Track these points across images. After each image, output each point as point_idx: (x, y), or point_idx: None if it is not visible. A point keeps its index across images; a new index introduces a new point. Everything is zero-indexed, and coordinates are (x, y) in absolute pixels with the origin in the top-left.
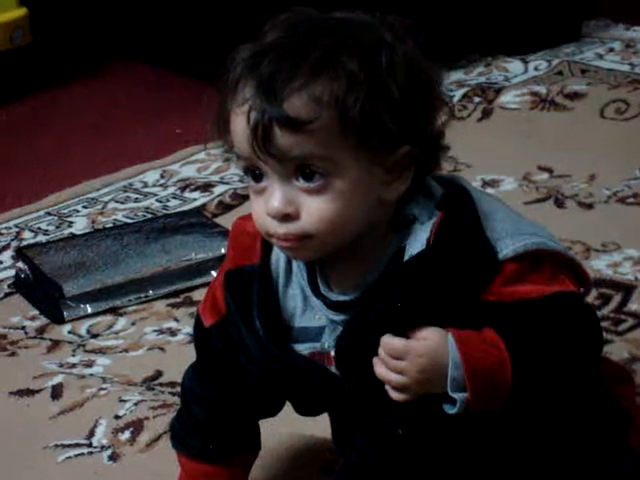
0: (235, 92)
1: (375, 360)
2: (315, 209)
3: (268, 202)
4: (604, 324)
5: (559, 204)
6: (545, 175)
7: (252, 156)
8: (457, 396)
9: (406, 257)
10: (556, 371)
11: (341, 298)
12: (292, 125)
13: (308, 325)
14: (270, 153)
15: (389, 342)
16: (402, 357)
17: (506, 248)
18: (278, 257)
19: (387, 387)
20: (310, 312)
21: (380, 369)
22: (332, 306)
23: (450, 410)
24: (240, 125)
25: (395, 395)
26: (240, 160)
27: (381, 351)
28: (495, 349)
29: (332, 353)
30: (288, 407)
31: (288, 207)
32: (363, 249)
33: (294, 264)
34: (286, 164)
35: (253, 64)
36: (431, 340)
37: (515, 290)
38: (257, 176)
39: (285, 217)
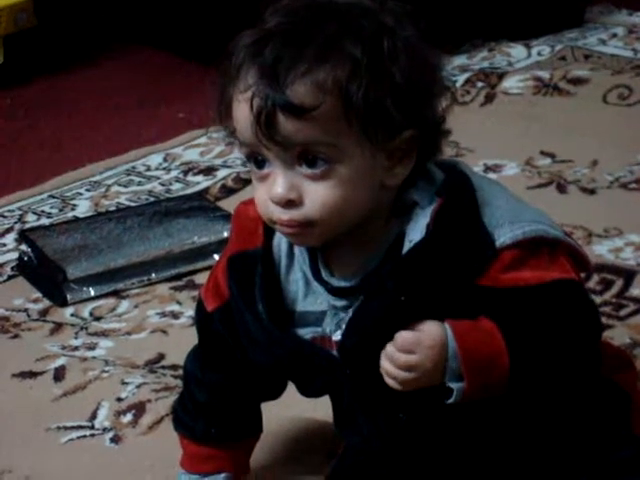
0: (237, 79)
1: (383, 356)
2: (318, 195)
3: (271, 188)
4: (606, 309)
5: (561, 189)
6: (547, 160)
7: (255, 143)
8: (454, 386)
9: (406, 243)
10: (553, 359)
11: (342, 284)
12: (296, 111)
13: (310, 309)
14: (274, 140)
15: (400, 335)
16: (413, 350)
17: (504, 235)
18: (280, 242)
19: (389, 381)
20: (312, 297)
21: (386, 364)
22: (333, 291)
23: (447, 400)
24: (243, 112)
25: (394, 385)
26: (243, 146)
27: (389, 347)
28: (492, 339)
29: (333, 338)
30: (290, 390)
31: (291, 193)
32: (365, 234)
33: (296, 249)
34: (289, 150)
35: (255, 51)
36: (437, 332)
37: (513, 276)
38: (260, 162)
39: (288, 203)
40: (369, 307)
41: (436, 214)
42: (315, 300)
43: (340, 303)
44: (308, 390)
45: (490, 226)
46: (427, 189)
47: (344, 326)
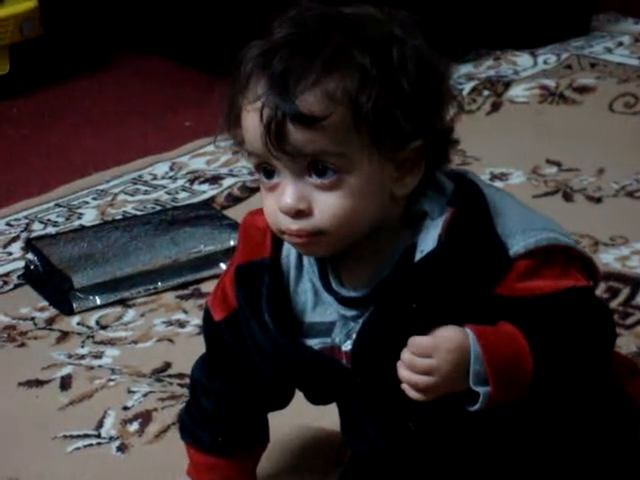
0: (246, 89)
1: (399, 363)
2: (328, 205)
3: (280, 198)
4: (614, 317)
5: (567, 198)
6: (554, 169)
7: (265, 153)
8: (480, 390)
9: (417, 253)
10: (573, 362)
11: (353, 294)
12: (306, 121)
13: (319, 320)
14: (283, 150)
15: (416, 340)
16: (430, 355)
17: (517, 244)
18: (289, 252)
19: (405, 387)
20: (321, 307)
21: (404, 372)
22: (343, 302)
23: (473, 407)
24: (252, 122)
25: (415, 395)
26: (252, 157)
27: (406, 353)
28: (514, 341)
29: (343, 348)
30: (296, 398)
31: (301, 203)
32: (375, 245)
33: (305, 259)
34: (299, 160)
35: (264, 61)
36: (455, 336)
37: (528, 286)
38: (269, 173)
39: (298, 213)
40: (381, 315)
41: (449, 224)
42: (325, 311)
43: (350, 313)
44: (316, 398)
45: (503, 235)
46: (437, 199)
47: (354, 335)
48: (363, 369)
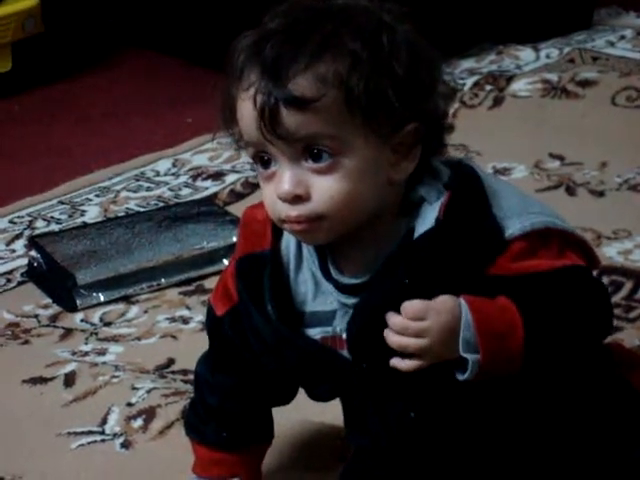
0: (240, 79)
1: (388, 331)
2: (325, 189)
3: (278, 185)
4: (615, 311)
5: (570, 192)
6: (556, 163)
7: (260, 140)
8: (469, 357)
9: (415, 236)
10: (567, 337)
11: (352, 281)
12: (298, 104)
13: (320, 309)
14: (278, 134)
15: (409, 304)
16: (423, 317)
17: (513, 226)
18: (288, 243)
19: (396, 361)
20: (321, 297)
21: (396, 337)
22: (343, 289)
23: (462, 376)
24: (247, 110)
25: (407, 363)
26: (248, 147)
27: (396, 318)
28: (507, 311)
29: (344, 336)
30: (300, 394)
31: (298, 188)
32: (373, 232)
33: (304, 249)
34: (294, 145)
35: (256, 50)
36: (448, 300)
37: (523, 265)
38: (266, 162)
39: (296, 199)
40: (375, 292)
41: (445, 206)
42: (325, 300)
43: (350, 301)
44: (317, 393)
45: (499, 217)
46: (434, 185)
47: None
48: (359, 349)
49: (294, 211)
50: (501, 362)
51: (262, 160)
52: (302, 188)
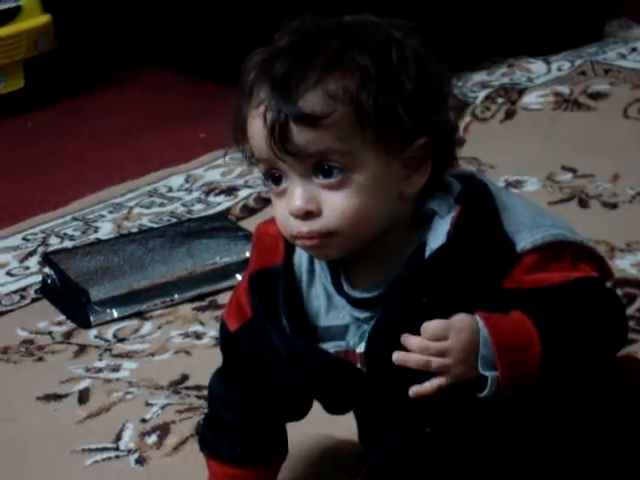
0: (250, 96)
1: (407, 353)
2: (336, 204)
3: (290, 201)
4: (629, 323)
5: (583, 204)
6: (569, 175)
7: (271, 156)
8: (488, 374)
9: (427, 251)
10: (584, 351)
11: (365, 295)
12: (308, 121)
13: (332, 324)
14: (288, 151)
15: (429, 324)
16: (444, 336)
17: (524, 240)
18: (301, 258)
19: (416, 388)
20: (334, 311)
21: (417, 357)
22: (356, 303)
23: (480, 393)
24: (257, 127)
25: (427, 387)
26: (259, 163)
27: (417, 339)
28: (523, 326)
29: (357, 351)
30: (313, 409)
31: (309, 204)
32: (385, 246)
33: (316, 264)
34: (305, 161)
35: (266, 67)
36: (466, 318)
37: (536, 278)
38: (277, 178)
39: (307, 215)
40: (392, 312)
41: (456, 220)
42: (338, 314)
43: (363, 315)
44: (333, 407)
45: (510, 232)
46: (445, 199)
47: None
48: (376, 368)
49: (305, 227)
50: (519, 377)
51: (273, 177)
52: (313, 204)
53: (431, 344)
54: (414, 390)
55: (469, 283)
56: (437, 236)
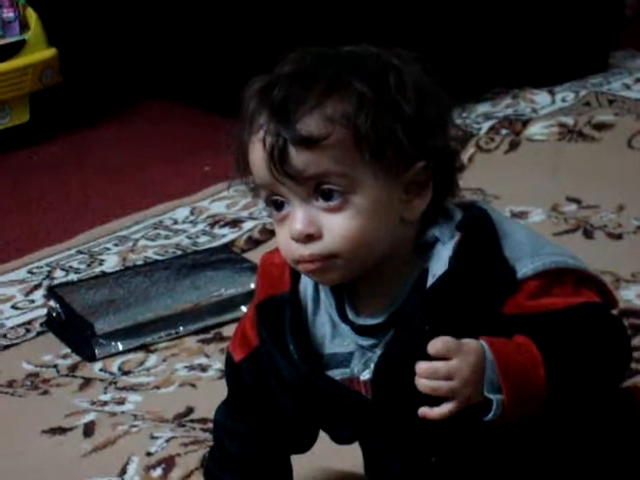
0: (251, 123)
1: (416, 378)
2: (337, 227)
3: (291, 225)
4: (635, 355)
5: (588, 235)
6: (573, 206)
7: (271, 180)
8: (493, 397)
9: (429, 277)
10: (588, 375)
11: (369, 322)
12: (306, 143)
13: (337, 351)
14: (288, 174)
15: (438, 340)
16: (451, 355)
17: (525, 267)
18: (306, 286)
19: (425, 410)
20: (339, 338)
21: (427, 382)
22: (360, 331)
23: (487, 416)
24: (257, 152)
25: (438, 411)
26: (261, 190)
27: (424, 364)
28: (526, 350)
29: (361, 378)
30: (319, 441)
31: (310, 227)
32: (388, 272)
33: (321, 292)
34: (304, 184)
35: (265, 94)
36: (472, 341)
37: (539, 303)
38: (279, 205)
39: (308, 238)
40: (397, 342)
41: (457, 246)
42: (342, 342)
43: (367, 342)
44: (339, 436)
45: (511, 259)
46: (448, 225)
47: (372, 365)
48: (383, 397)
49: (307, 250)
50: (524, 400)
51: (275, 203)
52: (314, 227)
53: (440, 365)
54: (423, 411)
55: (471, 310)
56: (439, 262)
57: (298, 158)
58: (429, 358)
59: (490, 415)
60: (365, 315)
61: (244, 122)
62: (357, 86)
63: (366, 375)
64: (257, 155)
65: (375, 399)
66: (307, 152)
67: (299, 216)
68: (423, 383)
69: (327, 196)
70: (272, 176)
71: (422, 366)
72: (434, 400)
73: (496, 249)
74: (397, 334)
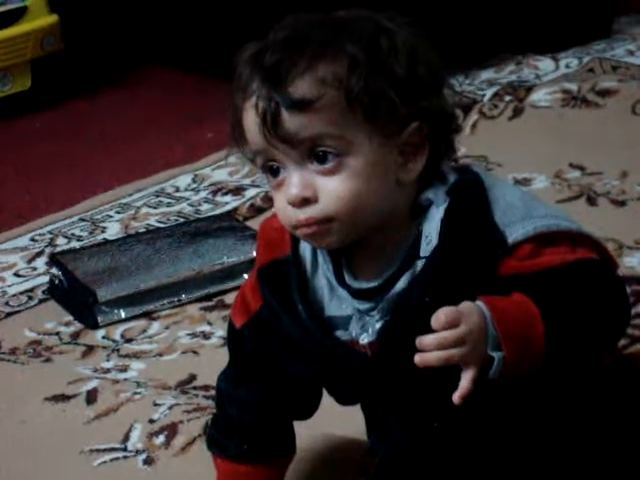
0: (244, 90)
1: (425, 354)
2: (332, 189)
3: (287, 190)
4: (637, 321)
5: (591, 202)
6: (577, 173)
7: (265, 146)
8: (495, 355)
9: (422, 239)
10: (587, 331)
11: (365, 286)
12: (298, 106)
13: (335, 314)
14: (281, 137)
15: (441, 311)
16: (458, 320)
17: (515, 232)
18: (304, 250)
19: (458, 394)
20: (337, 302)
21: (438, 354)
22: (357, 295)
23: (488, 374)
24: (250, 118)
25: (465, 384)
26: (256, 156)
27: (431, 337)
28: (524, 306)
29: (360, 341)
30: (320, 409)
31: (306, 191)
32: (385, 236)
33: (319, 256)
34: (298, 148)
35: (257, 59)
36: (469, 303)
37: (534, 262)
38: (275, 170)
39: (304, 202)
40: (400, 313)
41: (447, 212)
42: (340, 305)
43: (364, 306)
44: (343, 397)
45: (501, 224)
46: (441, 188)
47: (370, 329)
48: (387, 369)
49: (304, 214)
50: (524, 356)
51: (271, 169)
52: (309, 190)
53: (447, 334)
54: (459, 396)
55: (467, 275)
56: (431, 224)
57: (291, 121)
58: (431, 330)
59: (492, 372)
60: (362, 279)
61: (237, 89)
62: (349, 49)
63: (365, 339)
64: (250, 121)
65: (379, 369)
66: (300, 115)
67: (294, 180)
68: (435, 356)
69: (321, 159)
70: (266, 141)
71: (429, 339)
72: (438, 370)
73: (485, 214)
74: (398, 306)
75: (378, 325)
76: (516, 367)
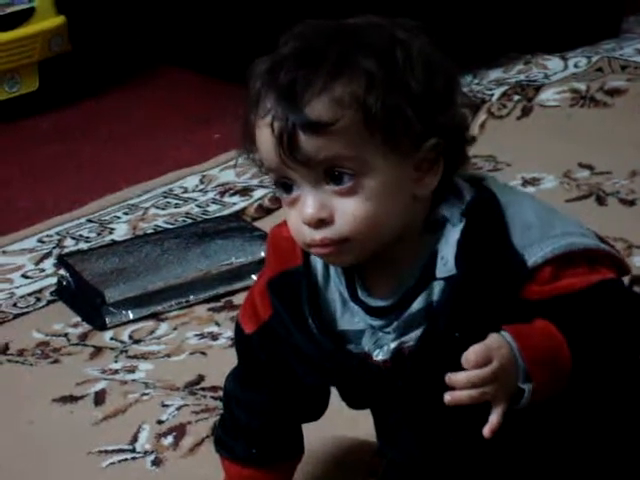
0: (257, 106)
1: (456, 393)
2: (349, 210)
3: (302, 210)
4: None
5: (600, 201)
6: (586, 172)
7: (280, 166)
8: (525, 386)
9: (438, 260)
10: (610, 353)
11: (379, 304)
12: (315, 128)
13: (348, 328)
14: (297, 160)
15: (470, 353)
16: (489, 357)
17: (535, 255)
18: (315, 262)
19: (489, 427)
20: (349, 316)
21: (470, 393)
22: (371, 311)
23: (518, 404)
24: (265, 137)
25: (495, 419)
26: (269, 173)
27: (461, 375)
28: (549, 334)
29: (374, 357)
30: (329, 409)
31: (322, 212)
32: (399, 252)
33: (331, 270)
34: (315, 169)
35: (271, 76)
36: (496, 335)
37: (555, 286)
38: (288, 187)
39: (320, 222)
40: (425, 346)
41: (463, 234)
42: (352, 319)
43: (377, 323)
44: (354, 403)
45: (520, 246)
46: (456, 205)
47: (385, 347)
48: (405, 390)
49: (319, 234)
50: (551, 384)
51: (284, 186)
52: (326, 211)
53: (480, 372)
54: (489, 430)
55: (490, 303)
56: (448, 246)
57: (308, 143)
58: (459, 364)
59: (522, 403)
60: (376, 296)
61: (250, 103)
62: (364, 65)
63: (379, 356)
64: (265, 140)
65: (394, 384)
66: (317, 137)
67: (310, 201)
68: (467, 394)
69: (338, 179)
70: (281, 162)
71: (460, 377)
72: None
73: (503, 237)
74: (424, 339)
75: (393, 345)
76: (543, 394)
